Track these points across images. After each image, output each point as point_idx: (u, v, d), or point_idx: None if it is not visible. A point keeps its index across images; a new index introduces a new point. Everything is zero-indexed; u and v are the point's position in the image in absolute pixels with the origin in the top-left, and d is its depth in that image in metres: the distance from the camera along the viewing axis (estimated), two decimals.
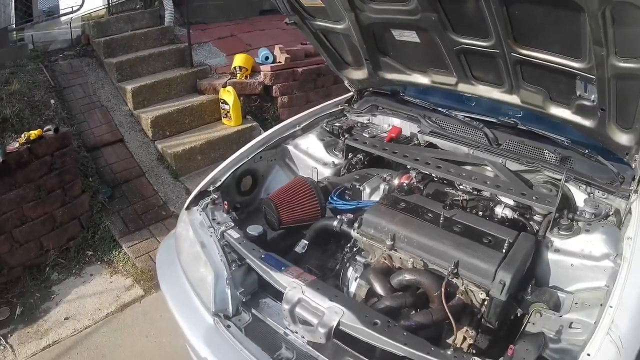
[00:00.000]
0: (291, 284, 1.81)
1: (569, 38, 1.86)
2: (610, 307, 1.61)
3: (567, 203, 2.20)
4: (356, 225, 2.10)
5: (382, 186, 2.38)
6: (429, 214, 2.05)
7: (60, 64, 5.19)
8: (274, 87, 5.27)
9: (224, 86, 4.95)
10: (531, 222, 2.15)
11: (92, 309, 3.41)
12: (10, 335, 3.22)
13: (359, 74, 3.01)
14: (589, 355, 1.52)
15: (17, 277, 3.63)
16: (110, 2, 5.70)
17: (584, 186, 2.22)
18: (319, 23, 2.68)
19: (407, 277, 1.88)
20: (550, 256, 2.00)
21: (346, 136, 2.71)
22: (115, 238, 3.97)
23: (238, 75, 5.17)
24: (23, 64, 4.89)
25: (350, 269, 2.13)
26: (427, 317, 1.75)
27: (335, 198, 2.33)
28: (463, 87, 2.58)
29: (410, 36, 2.38)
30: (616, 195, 2.14)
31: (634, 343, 1.61)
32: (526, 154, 2.44)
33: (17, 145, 3.56)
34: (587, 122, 2.24)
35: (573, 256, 1.97)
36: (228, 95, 4.87)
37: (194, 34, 5.63)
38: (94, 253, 3.93)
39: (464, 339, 1.76)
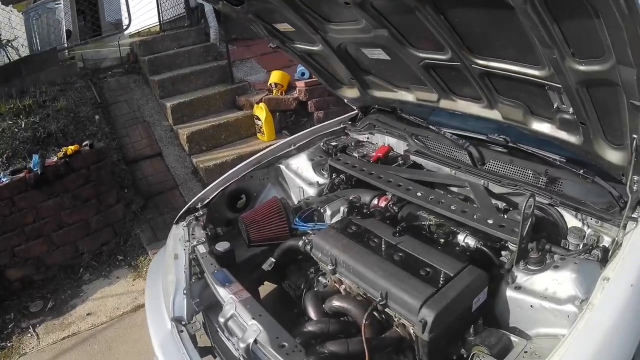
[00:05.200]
0: (229, 299, 1.86)
1: (520, 43, 1.65)
2: None
3: (556, 232, 1.95)
4: (308, 247, 2.08)
5: (342, 209, 2.30)
6: (375, 240, 1.94)
7: (109, 81, 5.54)
8: (309, 102, 5.22)
9: (258, 103, 5.05)
10: (504, 253, 1.89)
11: (111, 307, 3.71)
12: (39, 325, 3.62)
13: (352, 93, 2.97)
14: None
15: (54, 275, 3.99)
16: (161, 20, 6.02)
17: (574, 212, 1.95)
18: (299, 46, 2.70)
19: (336, 303, 1.82)
20: (509, 293, 1.76)
21: (330, 157, 2.70)
22: (143, 245, 4.20)
23: (274, 91, 5.24)
24: (72, 81, 5.25)
25: (311, 291, 2.12)
26: (342, 346, 1.67)
27: (297, 220, 2.31)
28: (445, 104, 2.45)
29: (380, 54, 2.32)
30: (612, 223, 1.84)
31: None
32: (512, 175, 2.22)
33: (55, 159, 3.91)
34: (572, 139, 1.96)
35: (533, 296, 1.71)
36: (260, 111, 4.97)
37: (238, 50, 5.79)
38: (124, 258, 4.19)
39: None
